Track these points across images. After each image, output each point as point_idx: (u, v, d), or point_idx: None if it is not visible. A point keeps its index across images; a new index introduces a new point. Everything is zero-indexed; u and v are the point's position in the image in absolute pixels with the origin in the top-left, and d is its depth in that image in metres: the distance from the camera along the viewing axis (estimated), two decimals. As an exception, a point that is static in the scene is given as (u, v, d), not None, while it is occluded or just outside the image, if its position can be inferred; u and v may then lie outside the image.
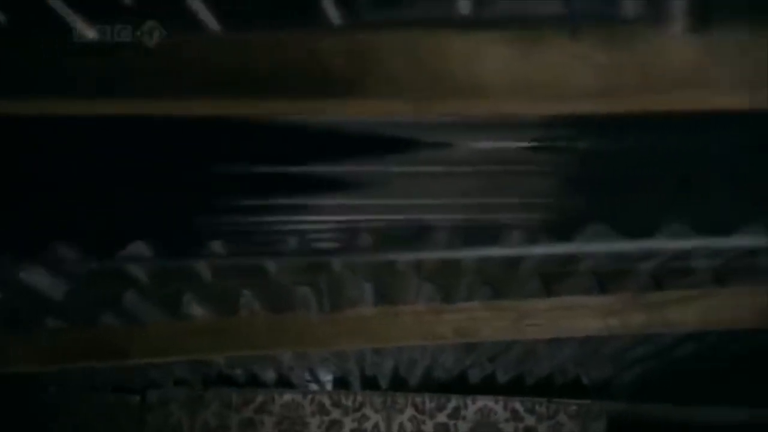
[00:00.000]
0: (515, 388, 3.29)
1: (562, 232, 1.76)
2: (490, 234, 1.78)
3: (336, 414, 3.34)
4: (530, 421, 3.22)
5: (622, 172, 1.66)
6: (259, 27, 1.07)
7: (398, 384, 3.37)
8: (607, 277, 2.02)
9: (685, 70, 1.02)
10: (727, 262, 1.84)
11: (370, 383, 3.40)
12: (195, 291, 1.93)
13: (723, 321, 1.97)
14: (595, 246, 1.74)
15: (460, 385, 3.33)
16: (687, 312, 1.95)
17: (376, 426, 3.30)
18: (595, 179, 1.69)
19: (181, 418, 3.38)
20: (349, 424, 3.33)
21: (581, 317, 2.08)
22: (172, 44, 1.09)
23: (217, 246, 1.72)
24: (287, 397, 3.38)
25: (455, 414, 3.28)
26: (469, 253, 1.82)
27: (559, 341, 2.55)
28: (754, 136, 1.47)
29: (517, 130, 1.56)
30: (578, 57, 1.02)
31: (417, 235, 1.77)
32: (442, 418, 3.28)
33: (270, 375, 3.31)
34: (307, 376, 3.37)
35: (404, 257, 1.83)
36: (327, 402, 3.37)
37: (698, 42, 1.01)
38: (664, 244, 1.66)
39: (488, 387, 3.31)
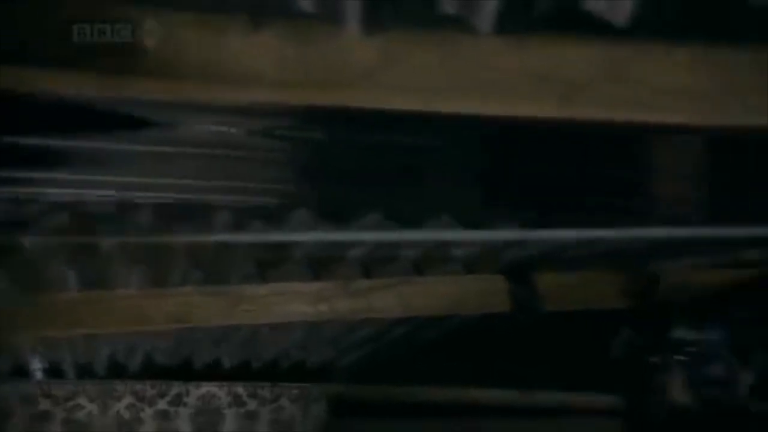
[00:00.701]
0: (242, 373, 3.28)
1: (276, 219, 1.79)
2: (203, 217, 1.76)
3: (45, 405, 3.11)
4: (252, 405, 3.23)
5: (337, 164, 1.72)
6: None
7: (118, 371, 3.22)
8: (320, 264, 2.09)
9: (362, 69, 1.07)
10: (424, 252, 1.99)
11: (87, 371, 3.20)
12: None
13: (420, 308, 2.13)
14: (306, 234, 1.79)
15: (185, 373, 3.25)
16: (388, 299, 2.07)
17: (89, 415, 3.12)
18: (311, 169, 1.73)
19: None
20: (60, 414, 3.11)
21: (294, 303, 2.13)
22: None
23: None
24: (-11, 388, 3.08)
25: (176, 401, 3.20)
26: (179, 236, 1.78)
27: (283, 325, 2.59)
28: (453, 136, 1.60)
29: (237, 114, 1.55)
30: (261, 47, 1.03)
31: (121, 214, 1.69)
32: (162, 405, 3.18)
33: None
34: (14, 366, 3.09)
35: (107, 239, 1.73)
36: (36, 393, 3.12)
37: (375, 43, 1.06)
38: (365, 234, 1.75)
39: (214, 373, 3.27)
